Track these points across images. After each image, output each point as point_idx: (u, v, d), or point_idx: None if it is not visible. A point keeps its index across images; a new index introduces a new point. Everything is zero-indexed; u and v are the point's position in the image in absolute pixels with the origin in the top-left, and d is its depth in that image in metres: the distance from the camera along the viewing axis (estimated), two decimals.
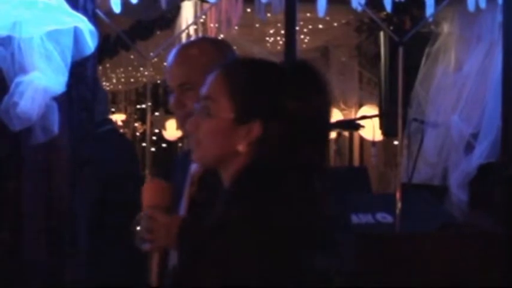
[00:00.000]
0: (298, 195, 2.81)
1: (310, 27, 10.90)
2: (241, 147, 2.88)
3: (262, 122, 2.83)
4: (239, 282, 2.73)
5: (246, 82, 2.90)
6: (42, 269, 5.19)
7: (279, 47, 9.93)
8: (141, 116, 17.96)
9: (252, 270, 2.72)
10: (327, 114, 2.83)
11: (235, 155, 2.91)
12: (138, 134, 18.22)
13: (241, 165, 2.90)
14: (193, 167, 4.07)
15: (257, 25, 10.05)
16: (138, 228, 3.76)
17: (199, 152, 3.02)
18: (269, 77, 2.88)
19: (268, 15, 7.88)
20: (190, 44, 4.63)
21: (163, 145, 14.71)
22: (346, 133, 12.10)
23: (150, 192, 3.85)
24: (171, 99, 4.06)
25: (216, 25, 8.44)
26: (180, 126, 4.19)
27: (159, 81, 13.50)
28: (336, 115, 12.14)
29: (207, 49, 4.28)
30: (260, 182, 2.85)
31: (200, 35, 8.61)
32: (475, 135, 7.62)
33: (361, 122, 10.24)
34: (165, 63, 4.19)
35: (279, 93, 2.83)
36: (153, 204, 3.81)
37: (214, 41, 5.08)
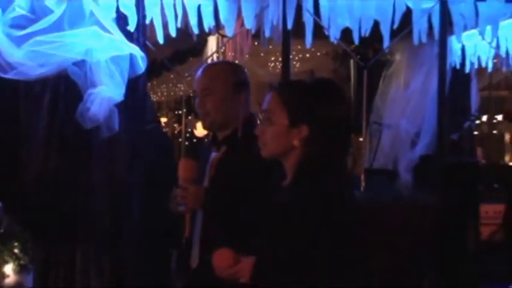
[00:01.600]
0: (337, 174, 3.15)
1: (300, 55, 10.85)
2: (295, 143, 3.10)
3: (308, 125, 3.07)
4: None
5: (293, 97, 3.12)
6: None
7: (277, 70, 9.85)
8: (178, 119, 17.93)
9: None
10: (349, 117, 3.20)
11: (292, 149, 3.13)
12: (176, 132, 18.28)
13: (298, 156, 3.14)
14: (213, 155, 4.07)
15: (262, 54, 10.00)
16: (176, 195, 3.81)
17: (266, 151, 3.22)
18: (308, 92, 3.12)
19: (270, 47, 7.85)
20: (212, 64, 4.64)
21: (194, 140, 14.66)
22: None
23: (182, 168, 3.87)
24: (196, 101, 4.08)
25: (232, 53, 8.41)
26: (202, 123, 4.21)
27: (191, 94, 13.47)
28: None
29: (223, 68, 4.29)
30: (314, 167, 3.10)
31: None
32: (417, 134, 7.60)
33: None
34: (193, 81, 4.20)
35: (316, 104, 3.08)
36: (185, 177, 3.85)
37: (230, 64, 5.07)
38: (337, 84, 3.21)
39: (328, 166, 3.15)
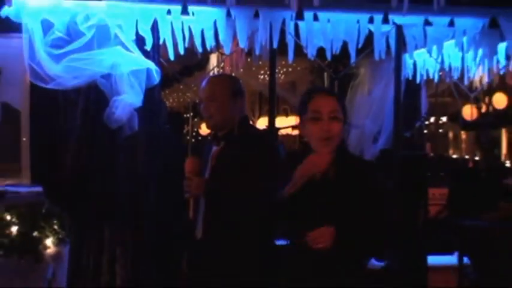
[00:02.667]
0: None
1: (284, 69, 10.79)
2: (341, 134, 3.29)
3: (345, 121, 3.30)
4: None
5: (343, 103, 3.36)
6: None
7: (266, 81, 9.82)
8: (186, 122, 17.97)
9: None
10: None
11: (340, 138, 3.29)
12: (184, 131, 18.30)
13: (340, 141, 3.31)
14: (214, 149, 4.08)
15: (253, 68, 9.96)
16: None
17: (334, 144, 3.27)
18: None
19: (260, 62, 7.84)
20: (215, 76, 4.64)
21: (199, 138, 14.64)
22: None
23: (189, 164, 3.92)
24: (202, 107, 4.08)
25: (230, 68, 8.39)
26: (206, 124, 4.23)
27: (196, 101, 13.44)
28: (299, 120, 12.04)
29: (223, 80, 4.31)
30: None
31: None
32: (378, 132, 7.57)
33: None
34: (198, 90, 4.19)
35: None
36: (190, 171, 3.89)
37: (229, 76, 5.10)
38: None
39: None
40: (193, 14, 5.23)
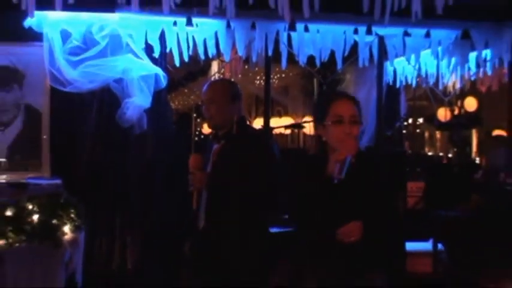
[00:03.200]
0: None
1: (278, 75, 10.82)
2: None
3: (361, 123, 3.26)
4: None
5: (360, 107, 3.27)
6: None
7: (261, 86, 9.84)
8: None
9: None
10: None
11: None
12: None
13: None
14: (215, 146, 4.08)
15: (250, 74, 9.98)
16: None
17: (357, 144, 3.23)
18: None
19: (256, 68, 7.84)
20: (215, 80, 4.64)
21: (202, 136, 14.64)
22: (296, 130, 11.95)
23: (192, 160, 3.92)
24: (203, 108, 4.08)
25: (229, 73, 8.39)
26: (208, 124, 4.24)
27: (199, 103, 13.44)
28: (291, 121, 12.05)
29: (223, 84, 4.30)
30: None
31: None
32: (362, 131, 7.54)
33: (304, 125, 10.22)
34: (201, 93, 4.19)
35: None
36: (194, 166, 3.90)
37: (228, 81, 5.09)
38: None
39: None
40: (196, 25, 5.23)
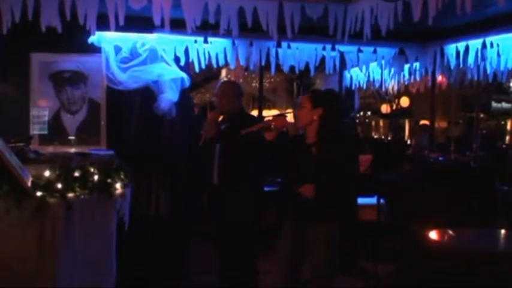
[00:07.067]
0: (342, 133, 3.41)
1: (268, 80, 10.78)
2: (315, 118, 3.15)
3: (323, 109, 3.14)
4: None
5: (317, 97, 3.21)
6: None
7: (256, 87, 9.78)
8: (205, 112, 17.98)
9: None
10: (340, 106, 3.17)
11: (313, 122, 3.17)
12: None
13: (316, 126, 3.17)
14: (222, 127, 4.07)
15: (248, 78, 9.94)
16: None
17: (305, 119, 3.24)
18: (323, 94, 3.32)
19: (253, 75, 7.81)
20: (224, 82, 4.61)
21: None
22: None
23: (210, 115, 4.07)
24: (216, 100, 4.06)
25: (234, 78, 8.32)
26: (219, 111, 4.14)
27: (212, 99, 13.37)
28: (277, 112, 11.97)
29: (230, 84, 4.28)
30: (327, 132, 3.17)
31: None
32: None
33: (287, 114, 10.14)
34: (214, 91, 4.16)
35: (327, 100, 3.20)
36: (210, 119, 4.01)
37: (234, 82, 5.04)
38: (336, 91, 3.29)
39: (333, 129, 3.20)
40: (211, 42, 5.20)
